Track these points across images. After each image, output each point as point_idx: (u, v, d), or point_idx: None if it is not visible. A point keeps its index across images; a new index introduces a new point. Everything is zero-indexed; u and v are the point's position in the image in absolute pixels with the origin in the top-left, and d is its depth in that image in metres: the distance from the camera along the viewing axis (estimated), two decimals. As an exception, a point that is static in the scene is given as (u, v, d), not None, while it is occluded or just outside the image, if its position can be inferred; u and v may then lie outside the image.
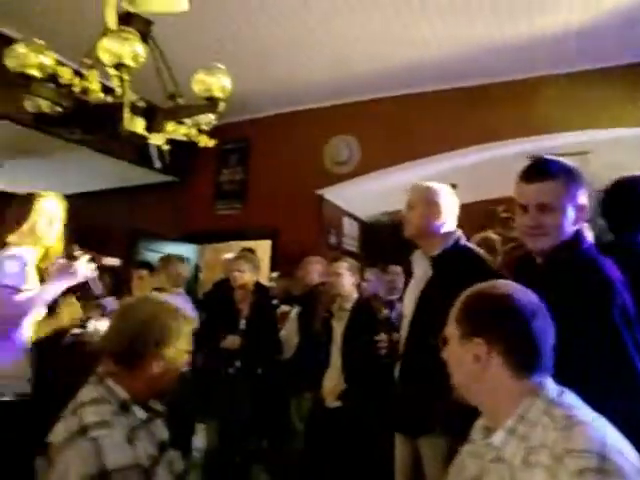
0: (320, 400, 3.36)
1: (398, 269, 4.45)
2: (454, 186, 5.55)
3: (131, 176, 5.69)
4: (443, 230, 2.22)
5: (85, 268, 2.40)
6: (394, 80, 4.71)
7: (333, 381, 3.27)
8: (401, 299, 3.72)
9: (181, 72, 2.52)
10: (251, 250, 4.36)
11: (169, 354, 1.41)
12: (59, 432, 1.27)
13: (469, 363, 1.15)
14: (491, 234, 3.27)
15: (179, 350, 1.44)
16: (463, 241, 2.25)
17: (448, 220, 2.24)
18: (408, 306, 2.29)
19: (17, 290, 2.20)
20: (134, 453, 1.24)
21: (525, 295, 1.17)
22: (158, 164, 4.94)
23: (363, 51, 4.23)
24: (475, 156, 4.87)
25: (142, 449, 1.28)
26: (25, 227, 2.36)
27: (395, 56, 4.30)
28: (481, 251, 2.27)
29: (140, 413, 1.35)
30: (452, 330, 1.22)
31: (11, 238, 2.33)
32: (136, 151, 4.89)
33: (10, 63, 2.07)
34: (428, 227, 2.21)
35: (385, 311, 2.91)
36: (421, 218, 2.22)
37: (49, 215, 2.44)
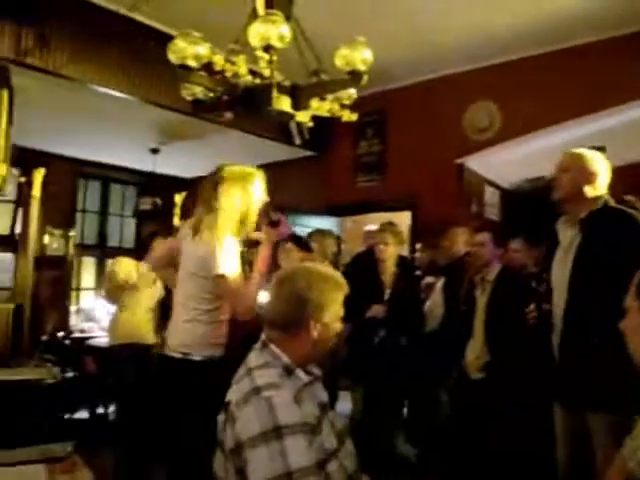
0: (463, 371, 3.34)
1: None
2: (602, 149, 5.17)
3: (274, 153, 5.96)
4: (592, 194, 2.20)
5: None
6: (535, 38, 4.40)
7: (476, 352, 3.23)
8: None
9: (320, 48, 2.58)
10: (392, 223, 4.37)
11: (325, 320, 1.48)
12: (235, 392, 1.40)
13: None
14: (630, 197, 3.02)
15: (334, 316, 1.51)
16: (612, 203, 2.23)
17: (599, 186, 2.23)
18: (558, 276, 2.24)
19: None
20: (301, 412, 1.33)
21: None
22: (298, 140, 5.13)
23: (501, 9, 3.99)
24: (623, 116, 4.44)
25: (308, 408, 1.37)
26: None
27: (536, 11, 4.00)
28: (633, 211, 2.18)
29: (302, 376, 1.44)
30: (632, 302, 1.16)
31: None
32: (277, 129, 5.12)
33: (172, 56, 2.26)
34: (579, 191, 2.20)
35: (533, 283, 2.81)
36: (573, 182, 2.22)
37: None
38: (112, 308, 3.88)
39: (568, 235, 2.22)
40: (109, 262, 3.91)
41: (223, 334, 2.44)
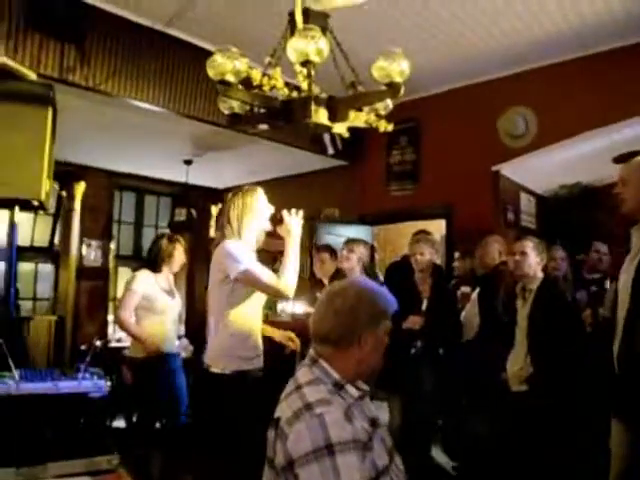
0: (504, 383, 3.28)
1: (603, 247, 4.14)
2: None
3: (306, 163, 6.00)
4: None
5: (296, 222, 2.53)
6: (570, 43, 4.33)
7: (518, 364, 3.16)
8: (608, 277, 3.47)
9: (356, 59, 2.58)
10: (426, 232, 4.34)
11: (377, 333, 1.48)
12: (285, 409, 1.40)
13: None
14: None
15: (384, 329, 1.51)
16: None
17: None
18: (623, 282, 2.21)
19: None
20: (353, 428, 1.32)
21: None
22: (331, 150, 5.16)
23: (537, 14, 3.93)
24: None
25: (358, 425, 1.36)
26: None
27: (572, 16, 3.93)
28: None
29: (353, 392, 1.44)
30: None
31: None
32: (310, 140, 5.14)
33: (211, 72, 2.29)
34: None
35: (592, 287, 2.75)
36: (636, 193, 2.17)
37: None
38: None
39: (636, 241, 2.18)
40: (129, 277, 3.88)
41: (250, 346, 2.48)
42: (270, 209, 2.59)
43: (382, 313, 1.51)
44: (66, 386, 2.28)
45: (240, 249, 2.43)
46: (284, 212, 2.51)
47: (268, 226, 2.58)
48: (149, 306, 3.65)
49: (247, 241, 2.52)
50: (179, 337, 4.07)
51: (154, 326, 3.65)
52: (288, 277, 2.45)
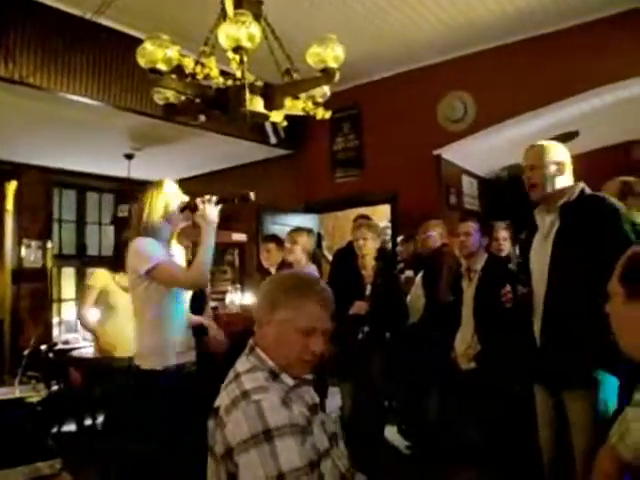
0: (452, 362, 3.36)
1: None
2: (576, 134, 5.24)
3: (249, 153, 5.94)
4: (565, 183, 2.28)
5: (212, 209, 2.38)
6: (505, 27, 4.44)
7: (465, 343, 3.25)
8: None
9: (291, 46, 2.57)
10: (367, 217, 4.38)
11: (274, 325, 1.45)
12: (224, 397, 1.39)
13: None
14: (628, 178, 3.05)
15: (284, 323, 1.44)
16: (588, 191, 2.28)
17: (569, 173, 2.30)
18: (537, 261, 2.31)
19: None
20: (290, 413, 1.32)
21: None
22: (274, 139, 5.10)
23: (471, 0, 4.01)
24: (597, 100, 4.51)
25: (297, 410, 1.36)
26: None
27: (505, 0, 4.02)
28: (611, 198, 2.25)
29: (288, 380, 1.43)
30: (616, 287, 1.18)
31: None
32: (252, 130, 5.09)
33: (141, 60, 2.22)
34: (552, 184, 2.27)
35: (510, 265, 2.84)
36: (542, 177, 2.27)
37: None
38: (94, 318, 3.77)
39: (547, 221, 2.27)
40: (87, 274, 3.82)
41: (178, 342, 2.40)
42: (182, 199, 2.46)
43: (279, 301, 1.46)
44: (2, 393, 2.19)
45: (148, 245, 2.34)
46: (197, 199, 2.39)
47: (182, 217, 2.46)
48: (106, 302, 3.62)
49: (159, 236, 2.41)
50: None
51: (114, 325, 3.59)
52: (200, 267, 2.34)
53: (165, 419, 2.19)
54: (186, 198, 2.47)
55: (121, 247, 3.69)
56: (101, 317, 3.67)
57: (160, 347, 2.35)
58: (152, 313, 2.36)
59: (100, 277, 3.67)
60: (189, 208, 2.40)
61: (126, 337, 3.56)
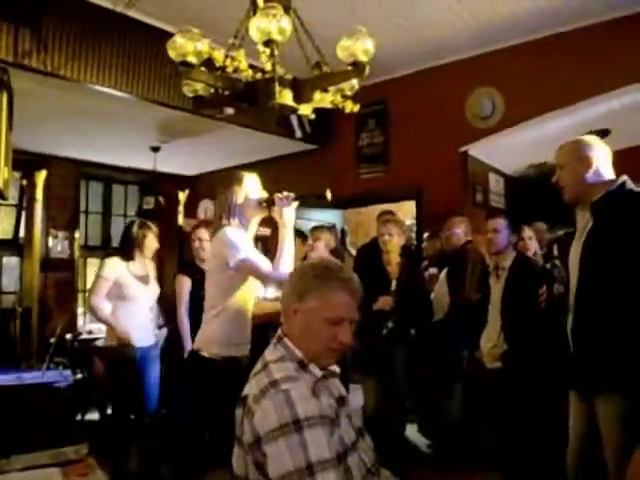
0: (478, 361, 3.33)
1: (542, 226, 4.23)
2: (607, 132, 5.12)
3: (275, 148, 5.95)
4: (597, 179, 2.16)
5: (289, 208, 2.47)
6: (535, 23, 4.35)
7: (492, 341, 3.21)
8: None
9: (321, 39, 2.55)
10: (391, 212, 4.35)
11: (302, 313, 1.45)
12: (253, 386, 1.39)
13: None
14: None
15: (312, 312, 1.44)
16: (630, 185, 2.15)
17: (600, 168, 2.18)
18: (572, 260, 2.24)
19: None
20: (319, 404, 1.32)
21: None
22: (299, 134, 5.13)
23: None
24: (627, 98, 4.39)
25: (325, 401, 1.36)
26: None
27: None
28: None
29: (316, 371, 1.43)
30: None
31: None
32: (278, 124, 5.09)
33: (172, 53, 2.24)
34: (582, 181, 2.17)
35: (547, 264, 2.78)
36: (572, 175, 2.19)
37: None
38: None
39: (583, 220, 2.20)
40: (99, 264, 3.74)
41: (242, 334, 2.49)
42: (262, 194, 2.55)
43: (306, 290, 1.45)
44: (30, 377, 2.23)
45: (239, 237, 2.42)
46: (276, 195, 2.46)
47: (261, 210, 2.54)
48: (120, 293, 3.56)
49: (244, 227, 2.51)
50: (160, 326, 3.99)
51: (128, 314, 3.57)
52: (285, 264, 2.43)
53: (215, 408, 2.24)
54: (265, 193, 2.55)
55: (132, 236, 3.69)
56: (114, 307, 3.59)
57: (226, 337, 2.43)
58: (229, 301, 2.44)
59: (114, 267, 3.58)
60: (267, 203, 2.47)
61: (140, 326, 3.61)
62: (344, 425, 1.40)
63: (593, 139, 2.26)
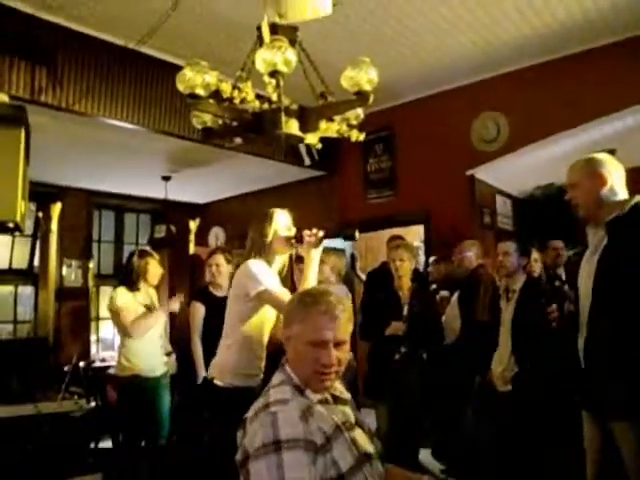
0: (488, 384, 3.31)
1: (560, 243, 4.23)
2: (612, 152, 5.14)
3: (283, 175, 6.03)
4: (612, 197, 2.13)
5: (316, 249, 2.48)
6: (538, 47, 4.43)
7: (503, 364, 3.20)
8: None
9: (326, 70, 2.62)
10: (401, 237, 4.39)
11: (291, 339, 1.51)
12: (252, 409, 1.44)
13: None
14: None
15: (299, 338, 1.48)
16: None
17: (614, 185, 2.14)
18: (584, 278, 2.20)
19: None
20: (306, 428, 1.34)
21: None
22: (308, 161, 5.21)
23: (503, 22, 4.02)
24: (631, 119, 4.44)
25: (315, 426, 1.37)
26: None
27: (537, 21, 4.02)
28: None
29: (312, 396, 1.46)
30: None
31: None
32: (286, 152, 5.18)
33: (180, 86, 2.31)
34: (596, 199, 2.13)
35: (556, 282, 2.78)
36: (586, 194, 2.16)
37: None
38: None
39: (596, 238, 2.17)
40: (111, 295, 3.78)
41: (256, 365, 2.53)
42: (291, 230, 2.57)
43: (297, 316, 1.50)
44: (46, 407, 2.26)
45: (261, 269, 2.45)
46: (304, 232, 2.47)
47: (290, 247, 2.56)
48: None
49: (268, 261, 2.53)
50: (168, 354, 4.02)
51: (138, 344, 3.60)
52: None
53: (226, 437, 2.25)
54: (294, 229, 2.58)
55: (134, 267, 3.73)
56: (122, 337, 3.64)
57: (237, 366, 2.47)
58: (243, 332, 2.47)
59: (122, 297, 3.63)
60: (296, 240, 2.50)
61: (151, 355, 3.64)
62: (341, 450, 1.40)
63: (606, 156, 2.22)
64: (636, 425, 1.94)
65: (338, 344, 1.48)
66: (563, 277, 4.04)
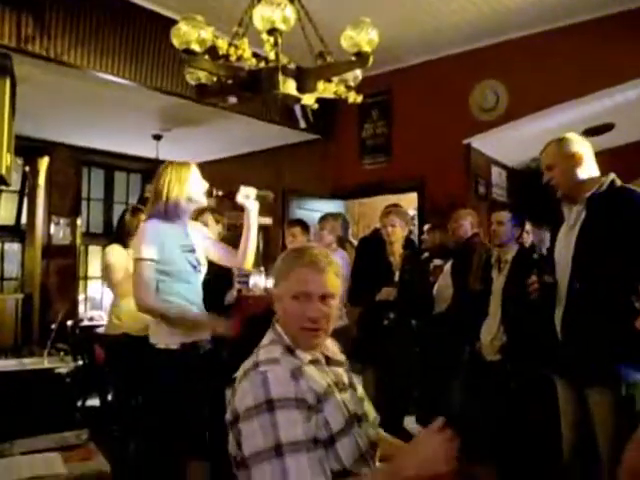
0: (478, 353, 3.34)
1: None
2: (612, 126, 5.10)
3: (277, 137, 5.94)
4: (587, 174, 2.20)
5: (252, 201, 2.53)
6: (541, 15, 4.34)
7: (492, 334, 3.22)
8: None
9: (325, 29, 2.54)
10: (398, 205, 4.35)
11: (279, 296, 1.48)
12: (242, 368, 1.43)
13: None
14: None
15: (286, 295, 1.45)
16: (619, 183, 2.20)
17: (589, 164, 2.23)
18: (562, 252, 2.27)
19: None
20: (297, 387, 1.33)
21: None
22: (303, 124, 5.11)
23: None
24: (632, 92, 4.38)
25: (305, 385, 1.36)
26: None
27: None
28: None
29: (303, 356, 1.44)
30: None
31: None
32: (281, 113, 5.08)
33: (175, 41, 2.23)
34: (574, 178, 2.20)
35: (535, 255, 2.79)
36: (564, 174, 2.21)
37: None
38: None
39: (573, 212, 2.23)
40: (104, 252, 3.70)
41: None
42: (204, 185, 2.53)
43: (283, 273, 1.48)
44: (31, 362, 2.24)
45: (153, 232, 2.37)
46: (241, 186, 2.51)
47: (203, 201, 2.54)
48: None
49: (174, 216, 2.44)
50: None
51: (130, 303, 3.57)
52: (249, 252, 2.52)
53: (181, 396, 2.24)
54: (206, 183, 2.54)
55: (126, 224, 3.67)
56: (114, 296, 3.59)
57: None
58: (161, 294, 2.41)
59: (117, 254, 3.57)
60: (227, 197, 2.53)
61: (141, 315, 3.60)
62: (332, 411, 1.39)
63: (575, 136, 2.29)
64: (611, 390, 2.03)
65: (324, 297, 1.44)
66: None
